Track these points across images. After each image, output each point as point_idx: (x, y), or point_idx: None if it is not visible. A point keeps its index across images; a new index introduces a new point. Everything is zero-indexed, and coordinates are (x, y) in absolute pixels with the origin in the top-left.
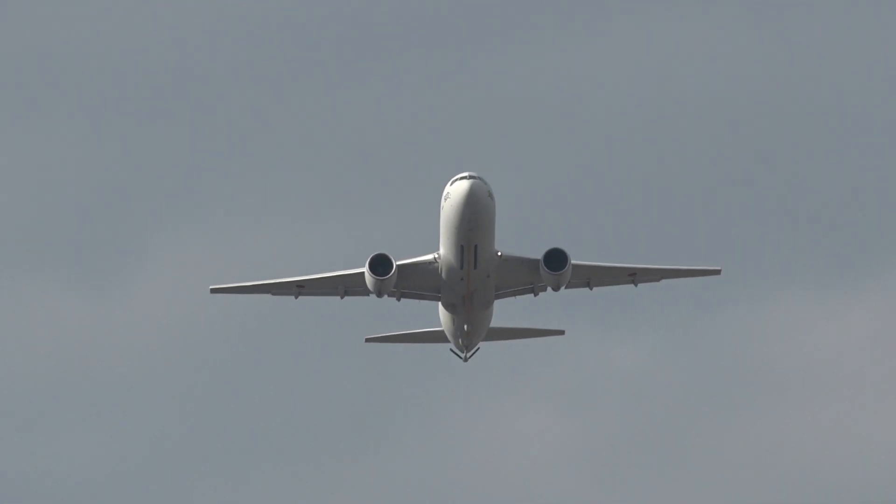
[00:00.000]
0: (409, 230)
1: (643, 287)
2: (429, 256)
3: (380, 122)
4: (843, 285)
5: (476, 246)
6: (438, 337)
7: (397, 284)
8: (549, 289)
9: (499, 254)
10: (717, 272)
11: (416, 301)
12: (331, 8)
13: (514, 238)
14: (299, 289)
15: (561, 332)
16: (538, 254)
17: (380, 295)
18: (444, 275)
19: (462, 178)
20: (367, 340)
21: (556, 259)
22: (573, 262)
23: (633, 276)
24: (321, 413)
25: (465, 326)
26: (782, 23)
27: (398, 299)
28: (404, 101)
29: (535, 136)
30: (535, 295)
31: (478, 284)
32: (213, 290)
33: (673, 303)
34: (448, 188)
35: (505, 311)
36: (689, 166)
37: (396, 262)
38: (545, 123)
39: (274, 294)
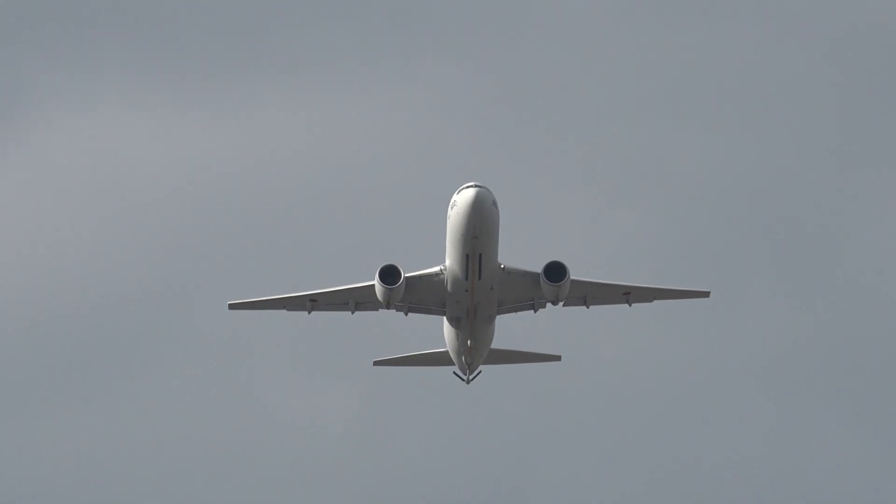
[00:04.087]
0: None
1: (636, 307)
2: (435, 269)
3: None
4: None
5: (480, 255)
6: (443, 358)
7: (405, 297)
8: (548, 305)
9: (501, 266)
10: (707, 294)
11: (423, 321)
12: None
13: (515, 256)
14: (312, 303)
15: (557, 358)
16: (538, 269)
17: (388, 306)
18: (449, 286)
19: (468, 187)
20: (376, 363)
21: (555, 271)
22: (571, 277)
23: (628, 296)
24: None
25: (469, 342)
26: None
27: (405, 314)
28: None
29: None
30: (535, 311)
31: (481, 297)
32: (231, 307)
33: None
34: (455, 197)
35: (504, 336)
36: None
37: (404, 274)
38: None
39: (288, 310)
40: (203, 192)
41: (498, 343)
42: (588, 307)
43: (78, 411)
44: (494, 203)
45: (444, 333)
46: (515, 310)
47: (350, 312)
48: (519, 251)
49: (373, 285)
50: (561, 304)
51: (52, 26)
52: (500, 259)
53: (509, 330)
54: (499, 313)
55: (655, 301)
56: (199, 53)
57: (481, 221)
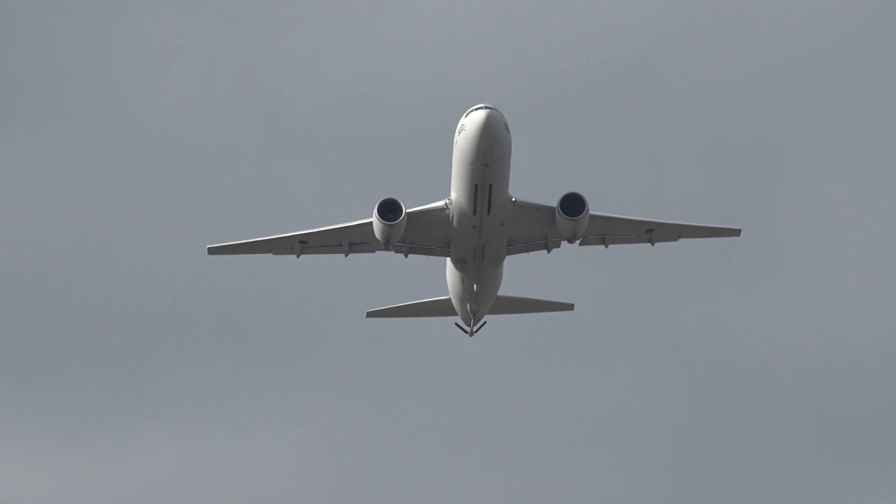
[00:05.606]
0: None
1: (659, 247)
2: (440, 203)
3: None
4: None
5: (490, 186)
6: (444, 307)
7: (405, 236)
8: (562, 244)
9: (513, 200)
10: (737, 233)
11: (421, 265)
12: None
13: (528, 190)
14: (302, 245)
15: (570, 307)
16: (553, 203)
17: (387, 245)
18: (455, 222)
19: (478, 109)
20: (369, 315)
21: (573, 204)
22: (591, 212)
23: (651, 233)
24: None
25: (475, 286)
26: None
27: (405, 255)
28: None
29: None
30: (549, 251)
31: (490, 234)
32: (211, 251)
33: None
34: (462, 120)
35: (511, 283)
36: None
37: (406, 210)
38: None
39: (275, 253)
40: None
41: (504, 291)
42: (607, 246)
43: None
44: (506, 127)
45: (447, 278)
46: (527, 249)
47: (343, 255)
48: (531, 184)
49: (370, 223)
50: (577, 242)
51: None
52: (511, 192)
53: (516, 276)
54: (509, 253)
55: (681, 240)
56: (88, 394)
57: (493, 146)
